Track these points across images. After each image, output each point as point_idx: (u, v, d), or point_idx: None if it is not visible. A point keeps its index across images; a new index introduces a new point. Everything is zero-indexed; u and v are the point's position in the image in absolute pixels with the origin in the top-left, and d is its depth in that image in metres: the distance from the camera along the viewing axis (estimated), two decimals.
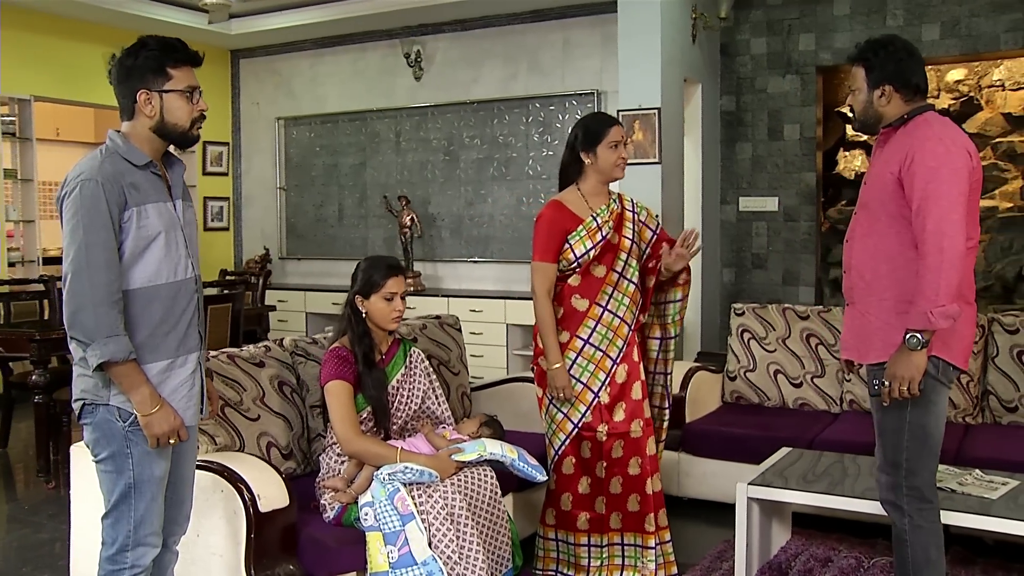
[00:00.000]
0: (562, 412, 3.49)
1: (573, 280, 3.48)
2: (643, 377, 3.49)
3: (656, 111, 5.51)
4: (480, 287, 7.12)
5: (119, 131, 2.48)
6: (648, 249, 3.56)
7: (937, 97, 6.41)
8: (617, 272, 3.45)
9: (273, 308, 6.72)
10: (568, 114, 6.80)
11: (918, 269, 2.62)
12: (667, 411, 3.71)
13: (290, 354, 3.66)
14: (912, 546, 2.75)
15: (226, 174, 8.14)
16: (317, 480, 3.30)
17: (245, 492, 2.83)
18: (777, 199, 6.22)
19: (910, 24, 5.78)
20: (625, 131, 3.55)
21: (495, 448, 3.18)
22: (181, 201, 2.55)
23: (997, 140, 6.15)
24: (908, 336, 2.62)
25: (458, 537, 2.97)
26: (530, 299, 6.42)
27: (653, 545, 3.42)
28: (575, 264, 3.45)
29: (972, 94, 6.34)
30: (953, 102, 6.33)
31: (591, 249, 3.42)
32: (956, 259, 2.57)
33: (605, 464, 3.43)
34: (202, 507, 2.82)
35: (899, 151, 2.71)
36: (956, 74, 6.45)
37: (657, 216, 3.63)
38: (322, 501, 3.19)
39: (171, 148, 2.54)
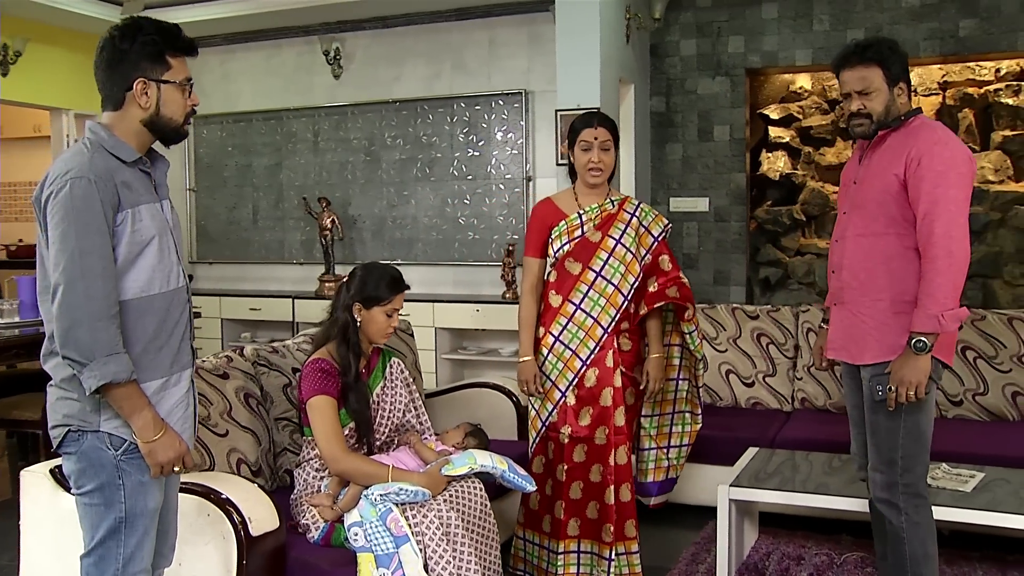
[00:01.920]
0: (534, 409, 3.49)
1: (551, 276, 3.50)
2: (618, 384, 3.40)
3: (596, 111, 5.47)
4: None
5: (100, 123, 2.23)
6: (648, 256, 3.50)
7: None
8: (594, 271, 3.41)
9: (198, 314, 6.38)
10: (494, 114, 6.71)
11: (924, 272, 2.65)
12: (699, 416, 3.75)
13: (252, 364, 3.48)
14: (910, 542, 2.78)
15: None
16: (292, 497, 3.13)
17: (235, 515, 2.66)
18: (708, 199, 6.30)
19: (835, 29, 5.94)
20: (607, 134, 3.44)
21: (485, 460, 3.08)
22: (168, 201, 2.35)
23: None
24: (914, 341, 2.65)
25: (455, 557, 2.86)
26: (457, 302, 6.40)
27: (608, 556, 3.36)
28: (553, 259, 3.46)
29: None
30: None
31: (565, 244, 3.43)
32: (964, 263, 2.62)
33: (566, 467, 3.39)
34: (185, 534, 2.63)
35: (900, 153, 2.72)
36: None
37: (667, 224, 3.58)
38: (303, 520, 3.02)
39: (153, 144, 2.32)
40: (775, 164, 6.64)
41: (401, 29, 6.87)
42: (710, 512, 4.16)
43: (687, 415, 3.76)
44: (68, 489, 2.84)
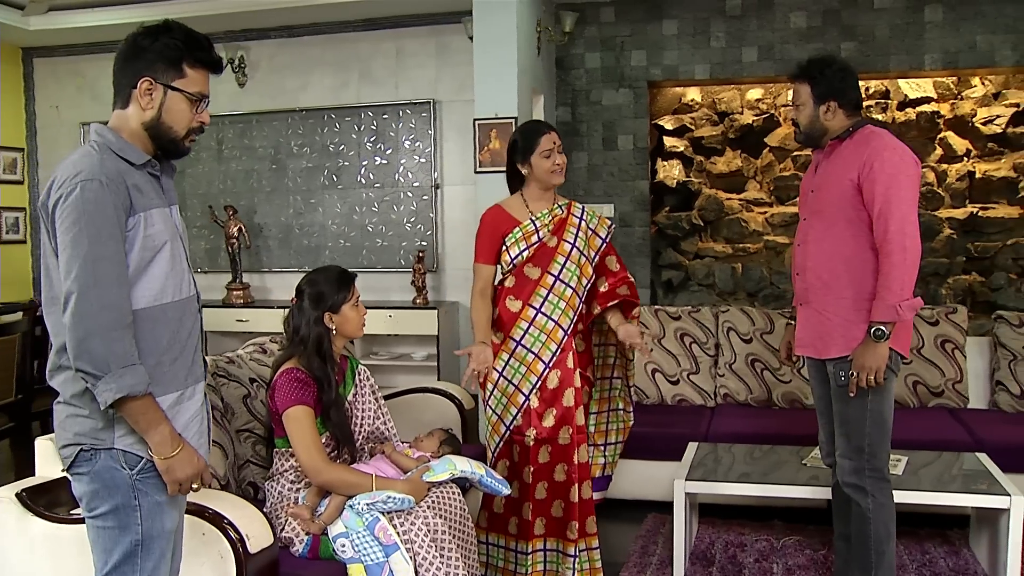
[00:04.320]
0: (496, 414, 3.54)
1: (508, 282, 3.56)
2: (578, 384, 3.53)
3: (513, 120, 5.63)
4: None
5: (106, 125, 2.16)
6: (596, 257, 3.61)
7: (741, 113, 7.01)
8: (553, 275, 3.50)
9: None
10: (402, 123, 6.78)
11: (881, 267, 2.89)
12: (631, 413, 3.84)
13: (212, 375, 3.44)
14: (875, 523, 3.04)
15: (21, 182, 7.35)
16: (265, 511, 3.12)
17: (231, 532, 2.64)
18: (613, 206, 6.55)
19: (731, 46, 6.29)
20: (558, 138, 3.53)
21: (464, 465, 3.16)
22: (176, 207, 2.28)
23: (796, 153, 6.83)
24: (873, 329, 2.90)
25: (444, 563, 2.93)
26: (368, 308, 6.40)
27: (572, 553, 3.47)
28: (510, 266, 3.53)
29: (771, 112, 6.99)
30: (756, 118, 6.94)
31: (524, 251, 3.51)
32: (917, 257, 2.88)
33: (532, 469, 3.48)
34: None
35: (854, 160, 2.97)
36: (755, 93, 7.08)
37: (611, 224, 3.69)
38: (284, 534, 3.03)
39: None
40: (671, 172, 6.97)
41: (308, 38, 6.86)
42: (645, 506, 4.42)
43: (620, 412, 3.90)
44: (37, 513, 2.81)
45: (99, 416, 2.11)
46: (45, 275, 2.15)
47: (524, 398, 3.48)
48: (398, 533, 2.91)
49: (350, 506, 2.97)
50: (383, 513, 2.94)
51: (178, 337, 2.20)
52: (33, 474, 3.04)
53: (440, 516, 3.02)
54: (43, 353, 4.96)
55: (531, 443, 3.47)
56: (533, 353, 3.48)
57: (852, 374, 2.96)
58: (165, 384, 2.16)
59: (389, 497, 2.94)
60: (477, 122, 5.76)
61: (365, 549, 2.88)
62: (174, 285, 2.18)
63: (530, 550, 3.49)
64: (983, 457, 3.87)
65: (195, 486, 2.22)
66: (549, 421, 3.49)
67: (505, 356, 3.51)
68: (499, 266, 3.59)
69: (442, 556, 2.94)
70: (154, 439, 2.11)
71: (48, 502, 2.86)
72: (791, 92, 3.19)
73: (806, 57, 6.01)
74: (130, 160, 2.13)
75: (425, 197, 6.78)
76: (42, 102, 7.45)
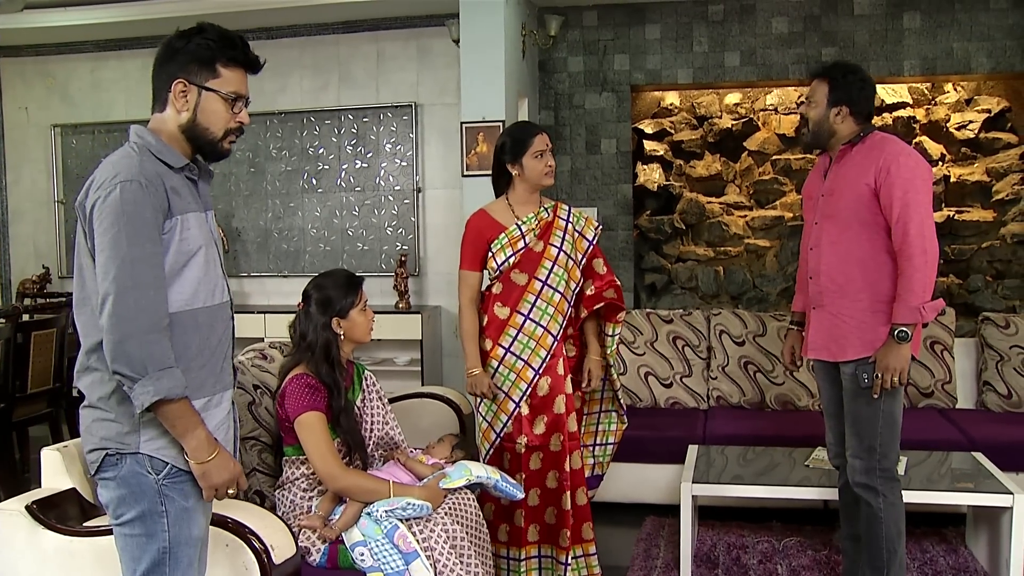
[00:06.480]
0: (486, 421, 3.52)
1: (496, 288, 3.53)
2: (569, 391, 3.51)
3: (500, 124, 5.63)
4: (291, 302, 6.85)
5: (146, 127, 2.14)
6: (583, 260, 3.59)
7: (720, 117, 7.07)
8: (540, 280, 3.47)
9: None
10: (383, 126, 6.74)
11: (902, 270, 2.94)
12: (624, 416, 3.80)
13: None
14: (886, 522, 3.08)
15: None
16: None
17: (256, 543, 2.60)
18: (596, 209, 6.57)
19: (713, 51, 6.35)
20: (549, 140, 3.51)
21: (480, 471, 3.13)
22: (212, 212, 2.27)
23: (775, 157, 6.90)
24: (897, 331, 2.95)
25: (465, 571, 2.91)
26: None
27: (564, 560, 3.46)
28: (497, 272, 3.51)
29: (750, 116, 7.06)
30: (735, 122, 7.00)
31: (510, 257, 3.48)
32: (936, 259, 2.95)
33: (524, 476, 3.46)
34: None
35: (869, 165, 3.02)
36: (733, 97, 7.15)
37: (598, 226, 3.66)
38: (299, 543, 2.98)
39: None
40: (651, 176, 7.01)
41: (287, 40, 6.79)
42: (640, 509, 4.43)
43: (613, 414, 3.89)
44: (49, 526, 2.74)
45: (125, 420, 2.09)
46: (78, 275, 2.13)
47: (514, 405, 3.46)
48: (418, 540, 2.88)
49: (367, 514, 2.93)
50: (401, 520, 2.91)
51: (208, 343, 2.18)
52: (20, 485, 2.97)
53: (458, 523, 2.99)
54: (25, 360, 4.84)
55: (522, 450, 3.45)
56: (523, 360, 3.45)
57: (877, 376, 3.00)
58: (192, 390, 2.13)
59: (408, 504, 2.91)
60: (464, 125, 5.74)
61: (384, 557, 2.85)
62: (206, 291, 2.16)
63: (523, 556, 3.49)
64: (980, 456, 3.94)
65: (231, 491, 2.20)
66: (540, 428, 3.47)
67: (494, 363, 3.48)
68: (486, 272, 3.57)
69: (462, 562, 2.92)
70: (191, 443, 2.09)
71: (58, 515, 2.79)
72: (808, 89, 3.23)
73: (787, 62, 6.20)
74: (168, 163, 2.11)
75: (406, 201, 6.74)
76: (10, 103, 7.28)
